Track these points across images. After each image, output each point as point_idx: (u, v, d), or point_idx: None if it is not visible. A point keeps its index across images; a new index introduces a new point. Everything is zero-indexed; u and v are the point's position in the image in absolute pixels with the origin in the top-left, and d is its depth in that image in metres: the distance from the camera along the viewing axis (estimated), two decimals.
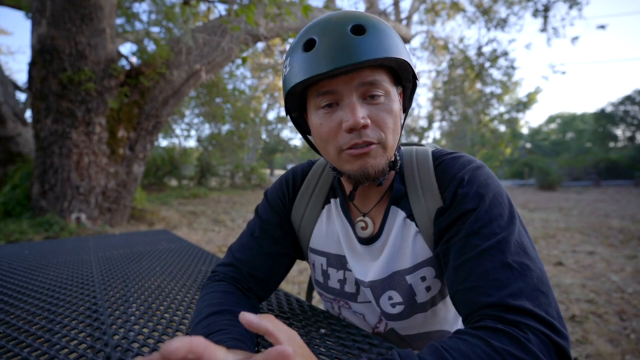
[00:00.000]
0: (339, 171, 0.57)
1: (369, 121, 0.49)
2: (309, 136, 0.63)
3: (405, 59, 0.50)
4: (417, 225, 0.57)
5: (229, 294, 0.59)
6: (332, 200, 0.66)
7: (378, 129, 0.51)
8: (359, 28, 0.48)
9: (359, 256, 0.62)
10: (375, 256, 0.61)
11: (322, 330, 0.58)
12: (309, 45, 0.50)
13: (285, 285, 2.84)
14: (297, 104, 0.59)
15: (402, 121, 0.58)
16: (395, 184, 0.60)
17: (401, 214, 0.59)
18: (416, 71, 0.55)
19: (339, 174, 0.58)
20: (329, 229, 0.65)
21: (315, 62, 0.48)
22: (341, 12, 0.52)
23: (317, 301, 2.35)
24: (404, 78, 0.55)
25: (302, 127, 0.63)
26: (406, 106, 0.60)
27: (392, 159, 0.56)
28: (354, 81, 0.49)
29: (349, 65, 0.46)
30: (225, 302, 0.56)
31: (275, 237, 0.66)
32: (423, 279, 0.57)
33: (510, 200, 0.51)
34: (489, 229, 0.47)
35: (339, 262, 0.64)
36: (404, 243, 0.58)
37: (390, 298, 0.59)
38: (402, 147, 0.65)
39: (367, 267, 0.61)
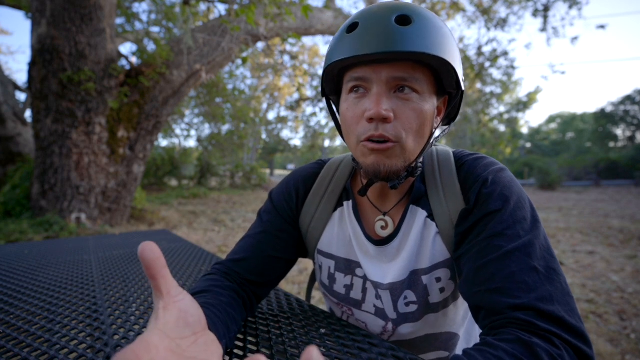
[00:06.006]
0: (358, 162, 0.55)
1: (392, 115, 0.47)
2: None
3: (447, 60, 0.47)
4: (437, 226, 0.56)
5: (214, 280, 0.58)
6: (345, 203, 0.64)
7: (400, 126, 0.48)
8: (405, 18, 0.46)
9: (374, 258, 0.60)
10: (391, 257, 0.59)
11: (322, 330, 0.58)
12: (351, 28, 0.49)
13: (285, 285, 2.83)
14: (334, 88, 0.58)
15: (442, 131, 0.57)
16: (415, 183, 0.58)
17: (422, 214, 0.57)
18: (461, 77, 0.51)
19: (358, 166, 0.56)
20: (341, 232, 0.64)
21: (353, 44, 0.47)
22: (392, 1, 0.50)
23: (317, 301, 2.35)
24: (447, 83, 0.52)
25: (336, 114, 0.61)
26: (451, 115, 0.57)
27: (412, 164, 0.53)
28: (386, 72, 0.48)
29: (382, 54, 0.45)
30: (206, 285, 0.55)
31: (276, 240, 0.64)
32: (438, 279, 0.57)
33: (532, 204, 0.50)
34: (513, 230, 0.46)
35: (347, 267, 0.63)
36: (424, 243, 0.57)
37: (405, 297, 0.59)
38: None
39: (384, 269, 0.59)
